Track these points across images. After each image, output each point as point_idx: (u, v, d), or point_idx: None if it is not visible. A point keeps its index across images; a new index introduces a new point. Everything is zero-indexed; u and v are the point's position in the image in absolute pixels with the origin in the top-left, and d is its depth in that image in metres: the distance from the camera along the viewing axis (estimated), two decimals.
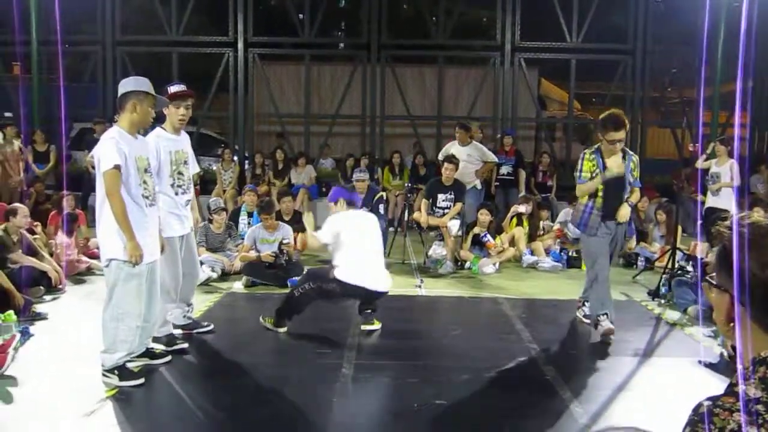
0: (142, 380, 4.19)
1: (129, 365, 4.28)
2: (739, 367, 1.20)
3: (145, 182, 4.22)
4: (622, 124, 5.29)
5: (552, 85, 19.68)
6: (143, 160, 4.25)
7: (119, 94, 4.24)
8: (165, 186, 4.82)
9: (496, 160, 9.67)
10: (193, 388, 4.24)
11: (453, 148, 9.04)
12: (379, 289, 5.41)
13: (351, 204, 5.69)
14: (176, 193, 4.92)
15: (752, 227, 1.19)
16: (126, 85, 4.27)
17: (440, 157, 9.14)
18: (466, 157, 8.88)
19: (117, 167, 4.02)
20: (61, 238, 7.44)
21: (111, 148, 4.04)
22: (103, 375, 4.19)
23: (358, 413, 3.94)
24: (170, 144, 4.91)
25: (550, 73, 18.15)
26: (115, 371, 4.17)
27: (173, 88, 4.96)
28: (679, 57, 13.90)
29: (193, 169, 5.20)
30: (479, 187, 9.07)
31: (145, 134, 4.69)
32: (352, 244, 5.35)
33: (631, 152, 5.59)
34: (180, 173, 4.95)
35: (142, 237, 4.12)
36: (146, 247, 4.16)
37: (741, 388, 1.15)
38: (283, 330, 5.40)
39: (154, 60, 15.13)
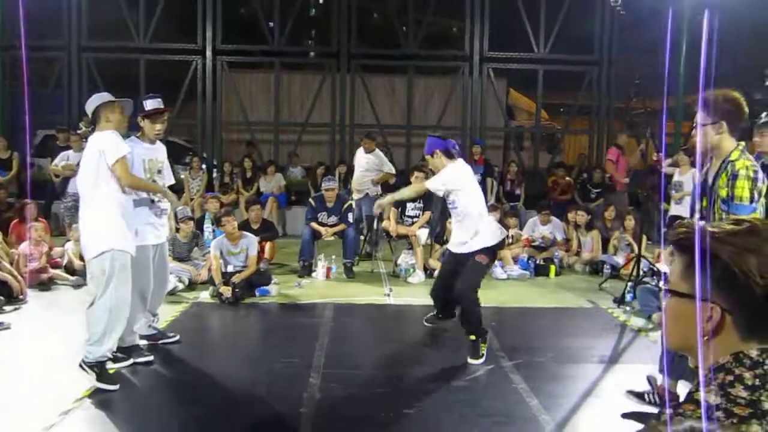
0: (116, 387, 4.17)
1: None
2: (701, 374, 1.21)
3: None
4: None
5: (520, 94, 19.85)
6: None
7: (90, 114, 4.51)
8: (139, 194, 4.80)
9: (394, 171, 9.81)
10: (160, 399, 4.18)
11: (357, 154, 9.48)
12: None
13: (449, 155, 5.18)
14: (152, 201, 4.91)
15: (751, 234, 1.18)
16: (93, 103, 4.50)
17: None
18: (365, 164, 9.24)
19: (125, 157, 4.35)
20: (24, 247, 7.27)
21: (116, 139, 4.35)
22: (82, 367, 4.22)
23: (326, 424, 3.91)
24: (144, 152, 4.91)
25: (518, 83, 18.31)
26: (95, 368, 4.21)
27: (149, 106, 4.95)
28: (644, 67, 14.14)
29: (168, 180, 5.17)
30: (371, 195, 9.18)
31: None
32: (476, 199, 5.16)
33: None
34: (153, 182, 4.93)
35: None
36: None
37: (702, 395, 1.16)
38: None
39: (121, 66, 14.94)
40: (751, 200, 3.44)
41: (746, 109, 3.51)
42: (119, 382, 4.22)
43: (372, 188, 9.33)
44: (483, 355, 4.96)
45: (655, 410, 3.98)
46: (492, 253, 5.15)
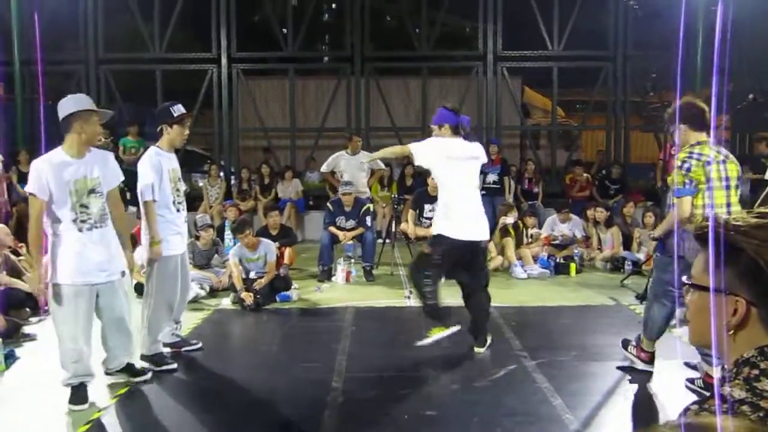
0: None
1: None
2: (726, 368, 1.20)
3: (83, 206, 4.12)
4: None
5: (535, 93, 19.80)
6: (84, 182, 4.14)
7: (61, 117, 4.09)
8: (167, 203, 4.87)
9: (384, 167, 9.68)
10: (183, 406, 4.22)
11: (342, 158, 9.12)
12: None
13: (456, 131, 5.00)
14: (178, 210, 4.97)
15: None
16: (67, 106, 4.12)
17: (324, 168, 9.32)
18: (360, 165, 8.86)
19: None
20: (46, 259, 7.34)
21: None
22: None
23: (349, 427, 3.92)
24: (167, 162, 4.95)
25: (533, 82, 18.28)
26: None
27: (177, 111, 4.97)
28: (659, 62, 14.06)
29: (181, 186, 5.22)
30: (366, 195, 9.06)
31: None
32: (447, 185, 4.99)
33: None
34: (178, 190, 5.01)
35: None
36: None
37: (727, 389, 1.15)
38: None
39: (137, 77, 15.09)
40: (683, 185, 4.14)
41: (707, 113, 4.31)
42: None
43: (366, 189, 9.19)
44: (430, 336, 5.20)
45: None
46: (443, 249, 4.84)
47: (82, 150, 4.15)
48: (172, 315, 5.06)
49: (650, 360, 4.67)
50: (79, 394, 4.16)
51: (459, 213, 4.92)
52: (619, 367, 4.79)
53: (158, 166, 4.80)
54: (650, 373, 4.68)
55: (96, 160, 4.22)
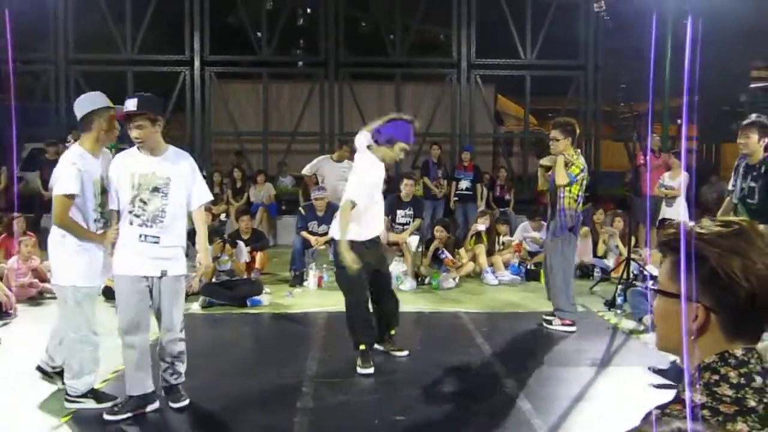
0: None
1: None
2: (686, 374, 1.22)
3: (100, 205, 4.08)
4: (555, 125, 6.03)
5: (508, 100, 19.97)
6: (101, 182, 4.08)
7: (81, 116, 4.03)
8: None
9: None
10: (152, 411, 4.15)
11: (326, 163, 9.03)
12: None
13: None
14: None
15: (741, 235, 1.19)
16: (84, 105, 4.07)
17: (306, 171, 9.15)
18: (341, 174, 8.58)
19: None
20: (12, 262, 7.23)
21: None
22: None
23: None
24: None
25: (506, 89, 18.41)
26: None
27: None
28: (629, 72, 14.27)
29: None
30: None
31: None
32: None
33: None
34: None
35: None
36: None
37: (687, 394, 1.17)
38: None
39: (108, 79, 14.91)
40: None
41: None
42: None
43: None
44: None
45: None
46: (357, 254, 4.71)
47: (101, 148, 4.13)
48: None
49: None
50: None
51: (365, 219, 4.88)
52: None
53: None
54: (617, 378, 4.74)
55: (108, 160, 4.18)
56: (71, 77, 12.81)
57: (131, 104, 3.95)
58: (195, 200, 4.15)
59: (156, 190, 3.95)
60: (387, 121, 4.97)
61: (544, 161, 6.27)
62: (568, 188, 5.90)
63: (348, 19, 13.96)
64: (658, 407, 1.20)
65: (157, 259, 3.97)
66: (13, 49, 11.15)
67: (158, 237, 3.96)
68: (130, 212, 3.96)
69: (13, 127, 11.10)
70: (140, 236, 3.95)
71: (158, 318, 4.10)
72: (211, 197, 4.18)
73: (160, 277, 4.00)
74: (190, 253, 7.82)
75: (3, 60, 11.80)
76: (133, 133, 3.94)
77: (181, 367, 4.19)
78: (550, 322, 6.11)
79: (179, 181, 4.02)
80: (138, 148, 4.02)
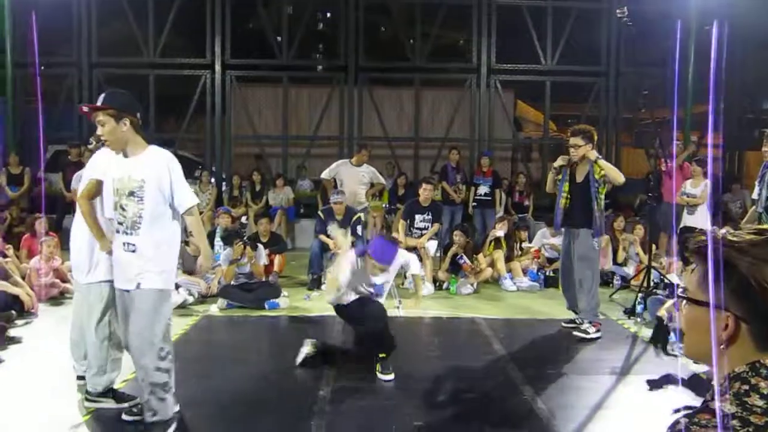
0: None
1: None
2: (716, 383, 1.20)
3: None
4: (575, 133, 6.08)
5: (527, 106, 19.91)
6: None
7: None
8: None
9: (384, 182, 9.68)
10: None
11: (345, 167, 9.03)
12: None
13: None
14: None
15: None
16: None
17: (325, 174, 9.13)
18: (361, 177, 8.85)
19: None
20: (35, 261, 7.31)
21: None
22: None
23: None
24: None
25: (526, 95, 18.38)
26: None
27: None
28: (651, 78, 14.18)
29: None
30: (363, 206, 8.98)
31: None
32: None
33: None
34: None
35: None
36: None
37: (717, 404, 1.16)
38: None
39: (130, 82, 15.06)
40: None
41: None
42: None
43: (365, 201, 9.11)
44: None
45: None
46: None
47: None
48: None
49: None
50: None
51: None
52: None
53: None
54: (637, 387, 4.69)
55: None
56: (94, 80, 12.94)
57: (99, 100, 3.68)
58: (178, 204, 3.69)
59: (131, 194, 3.61)
60: (377, 236, 5.33)
61: (558, 162, 6.26)
62: (600, 190, 6.01)
63: (368, 24, 13.99)
64: (686, 416, 1.18)
65: (132, 269, 3.63)
66: (37, 52, 11.33)
67: (135, 245, 3.63)
68: (116, 220, 3.70)
69: (40, 129, 11.27)
70: (123, 245, 3.67)
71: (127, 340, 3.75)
72: (194, 202, 3.74)
73: (135, 290, 3.64)
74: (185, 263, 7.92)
75: (26, 63, 11.97)
76: (98, 131, 3.63)
77: (159, 404, 3.65)
78: (582, 329, 6.07)
79: (153, 183, 3.60)
80: (110, 149, 3.70)
